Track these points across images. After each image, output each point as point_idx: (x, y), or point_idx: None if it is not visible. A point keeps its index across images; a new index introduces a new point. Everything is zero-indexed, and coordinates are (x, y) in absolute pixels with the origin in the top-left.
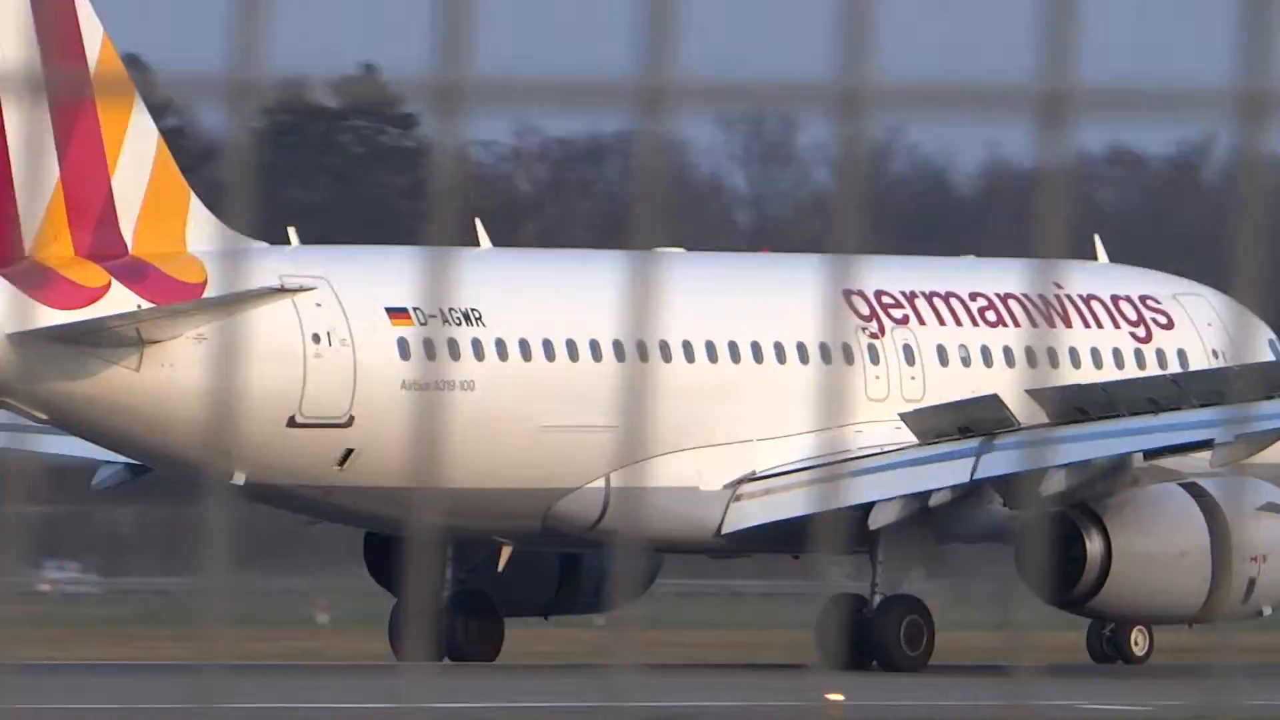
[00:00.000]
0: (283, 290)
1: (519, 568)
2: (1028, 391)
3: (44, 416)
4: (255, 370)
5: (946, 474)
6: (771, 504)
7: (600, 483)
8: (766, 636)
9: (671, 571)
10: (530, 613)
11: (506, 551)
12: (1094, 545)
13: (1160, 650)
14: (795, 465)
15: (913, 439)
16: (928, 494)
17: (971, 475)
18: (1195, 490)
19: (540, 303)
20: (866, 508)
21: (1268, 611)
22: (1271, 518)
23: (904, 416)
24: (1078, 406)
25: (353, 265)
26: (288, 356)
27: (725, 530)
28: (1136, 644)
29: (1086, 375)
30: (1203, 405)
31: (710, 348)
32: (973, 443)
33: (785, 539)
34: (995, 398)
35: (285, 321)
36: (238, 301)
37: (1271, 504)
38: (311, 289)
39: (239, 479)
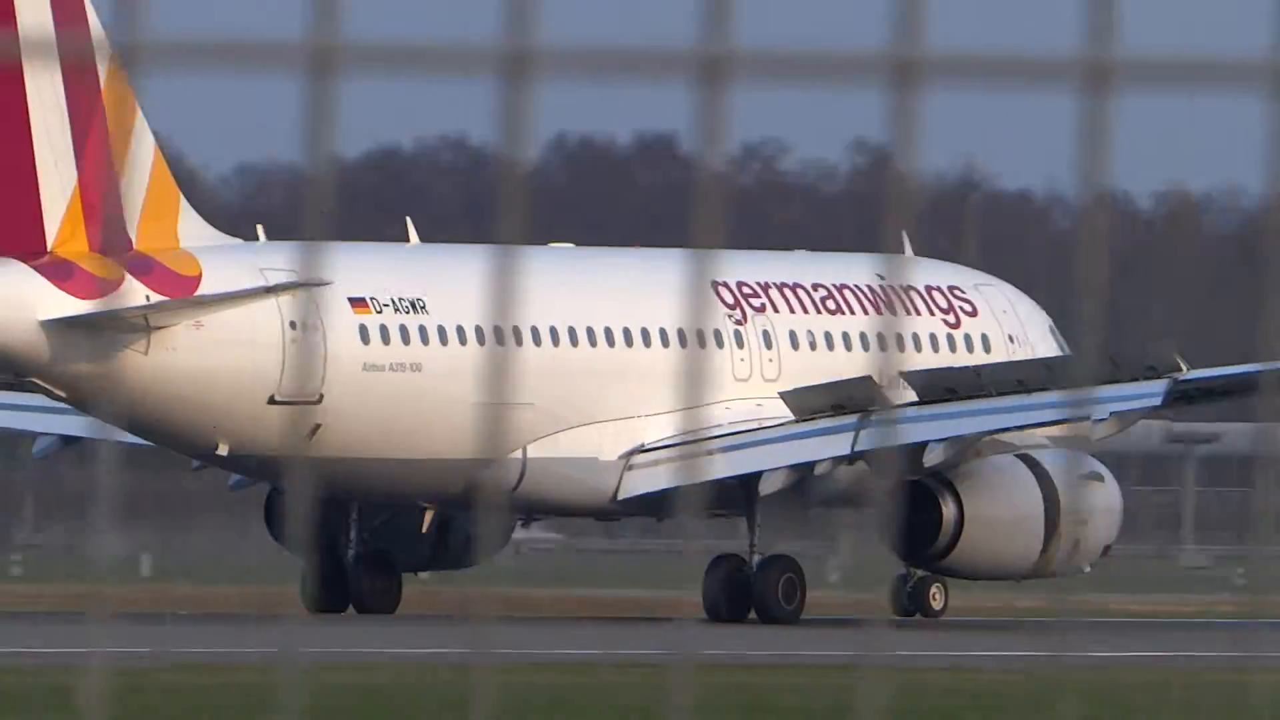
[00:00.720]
0: (307, 284)
1: (400, 529)
2: (901, 374)
3: (65, 395)
4: (242, 354)
5: (829, 447)
6: (661, 473)
7: (519, 454)
8: (654, 594)
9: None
10: (409, 569)
11: (429, 515)
12: (949, 510)
13: (951, 608)
14: (681, 439)
15: (773, 415)
16: (812, 464)
17: (852, 448)
18: (1029, 461)
19: (474, 294)
20: (749, 476)
21: (1087, 569)
22: (1093, 485)
23: (784, 395)
24: (947, 387)
25: (320, 259)
26: (269, 343)
27: (620, 496)
28: (935, 599)
29: (909, 358)
30: (1131, 379)
31: (608, 333)
32: (851, 419)
33: (673, 504)
34: (868, 379)
35: (267, 311)
36: (265, 293)
37: (1094, 473)
38: (328, 283)
39: (223, 450)
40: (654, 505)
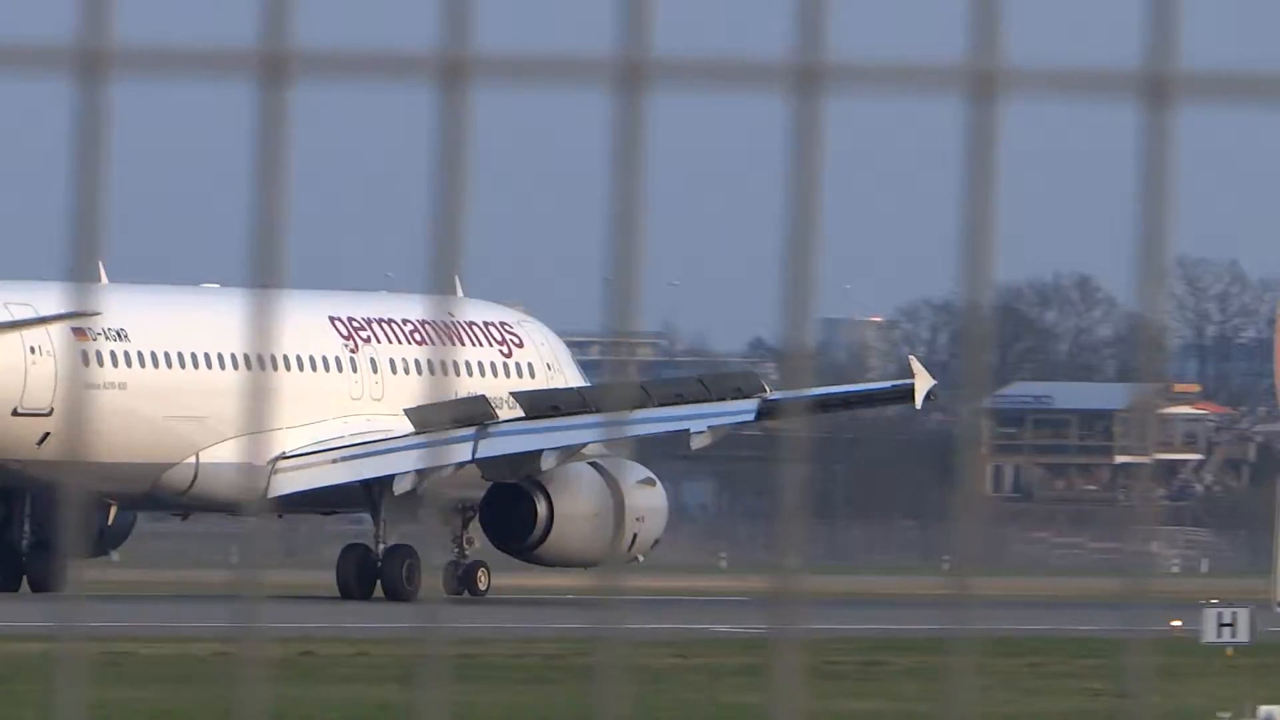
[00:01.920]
0: (78, 314)
1: (67, 521)
2: (513, 394)
3: None
4: None
5: (454, 454)
6: (304, 476)
7: (193, 459)
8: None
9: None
10: (79, 554)
11: (114, 509)
12: (542, 507)
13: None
14: (321, 447)
15: (383, 429)
16: (439, 468)
17: (473, 455)
18: (598, 467)
19: (167, 324)
20: (384, 477)
21: (642, 559)
22: (646, 488)
23: (407, 411)
24: (552, 405)
25: (53, 296)
26: (14, 366)
27: (270, 495)
28: (481, 581)
29: (474, 382)
30: (720, 399)
31: (246, 359)
32: (470, 430)
33: (314, 502)
34: (483, 397)
35: (12, 340)
36: (38, 323)
37: (648, 478)
38: (97, 314)
39: None
40: (299, 503)
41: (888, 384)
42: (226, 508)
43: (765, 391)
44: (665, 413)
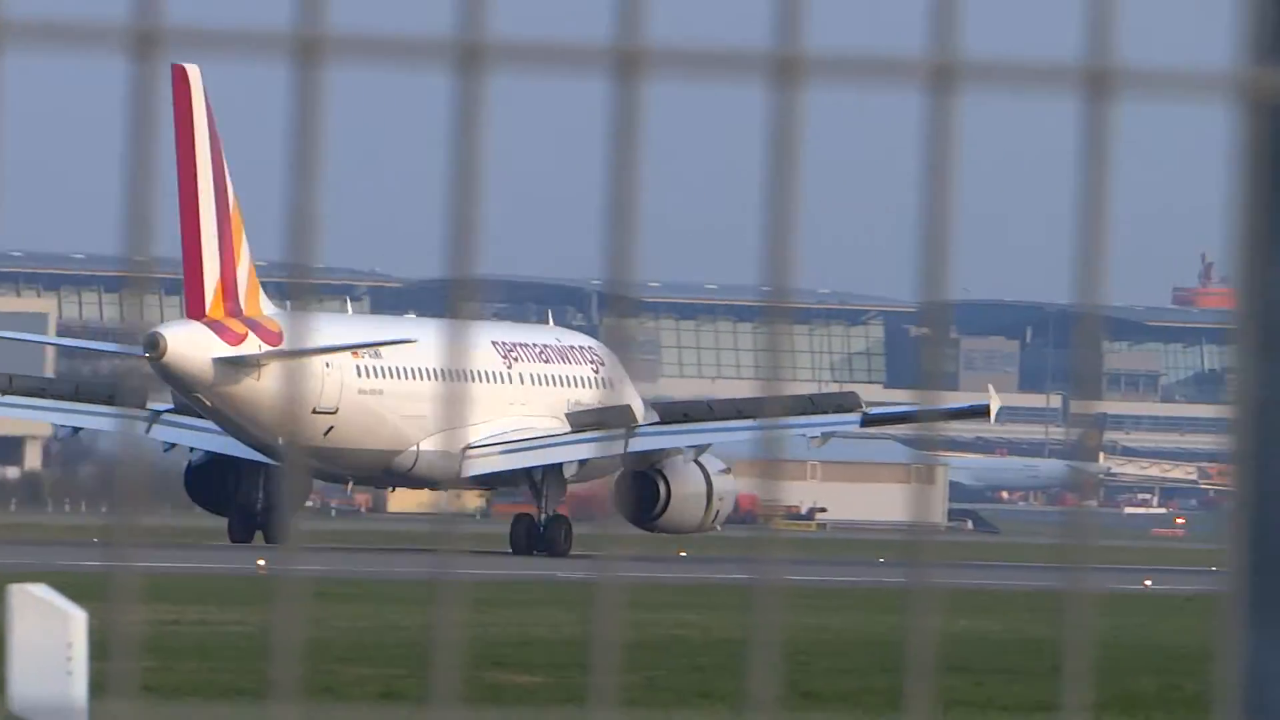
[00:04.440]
0: (388, 343)
1: (269, 491)
2: (653, 405)
3: (209, 404)
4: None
5: (610, 448)
6: (489, 462)
7: (415, 448)
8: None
9: None
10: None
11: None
12: (663, 489)
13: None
14: (494, 440)
15: (538, 427)
16: (598, 459)
17: (625, 449)
18: (696, 462)
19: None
20: (551, 465)
21: (719, 528)
22: (725, 476)
23: (568, 415)
24: (683, 413)
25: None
26: (314, 374)
27: (464, 475)
28: (565, 540)
29: (576, 392)
30: (824, 412)
31: (445, 373)
32: (620, 430)
33: (491, 482)
34: (627, 407)
35: (318, 358)
36: (330, 349)
37: (726, 468)
38: (411, 341)
39: (280, 440)
40: (487, 482)
41: (967, 404)
42: (434, 484)
43: (863, 407)
44: (788, 420)
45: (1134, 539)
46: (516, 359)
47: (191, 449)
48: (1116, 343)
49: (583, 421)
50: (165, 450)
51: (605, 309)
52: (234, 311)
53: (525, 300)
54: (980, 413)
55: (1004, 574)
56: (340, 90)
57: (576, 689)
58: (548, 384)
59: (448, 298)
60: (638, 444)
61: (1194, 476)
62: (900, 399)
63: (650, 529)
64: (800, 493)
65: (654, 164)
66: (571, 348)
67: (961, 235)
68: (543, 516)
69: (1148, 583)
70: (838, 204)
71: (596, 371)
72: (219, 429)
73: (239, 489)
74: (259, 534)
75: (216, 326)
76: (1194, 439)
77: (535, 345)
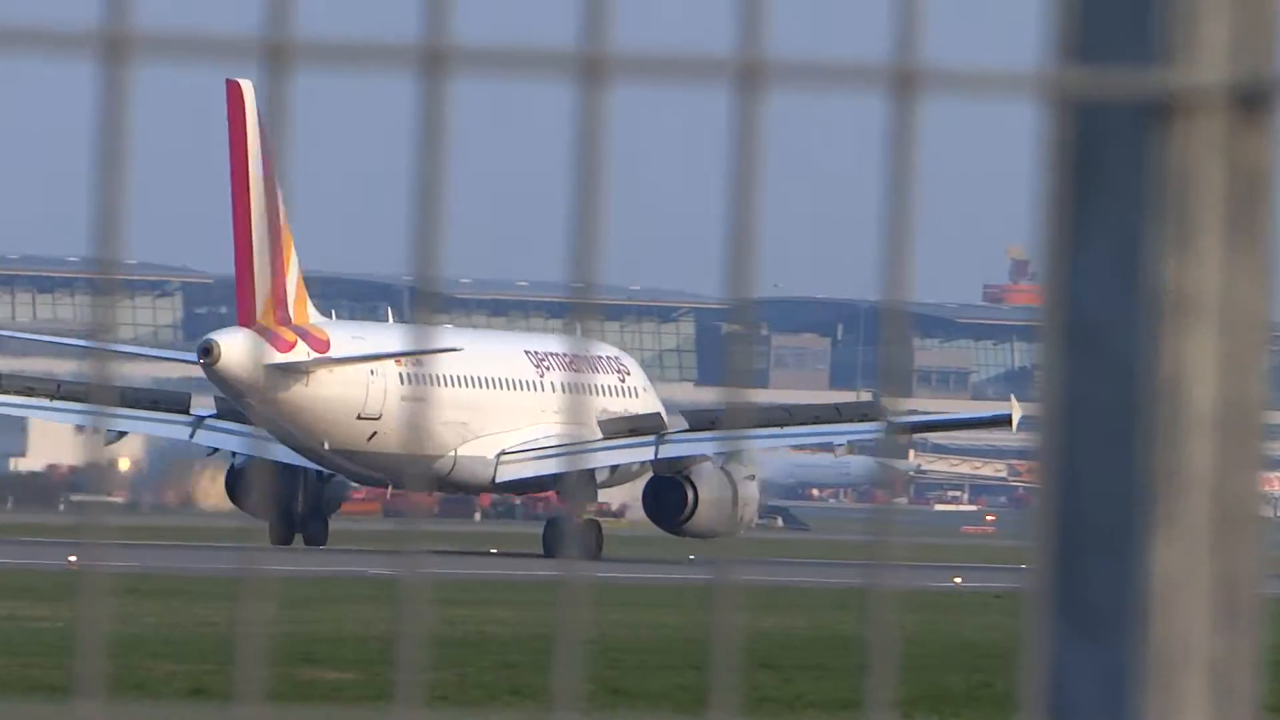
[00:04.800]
0: (435, 350)
1: (310, 495)
2: (684, 413)
3: (261, 409)
4: (345, 389)
5: (639, 454)
6: (523, 467)
7: (453, 453)
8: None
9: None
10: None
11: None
12: (690, 494)
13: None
14: (527, 446)
15: (567, 434)
16: (630, 464)
17: (655, 455)
18: (721, 466)
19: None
20: (584, 470)
21: (743, 532)
22: (750, 482)
23: (600, 422)
24: (710, 420)
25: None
26: (359, 382)
27: (497, 480)
28: (599, 545)
29: (604, 400)
30: (849, 421)
31: (482, 381)
32: (651, 437)
33: (524, 487)
34: (658, 414)
35: (361, 365)
36: (377, 357)
37: (750, 475)
38: (457, 349)
39: (327, 445)
40: (519, 486)
41: (989, 414)
42: (470, 489)
43: (887, 416)
44: (816, 429)
45: (944, 536)
46: (548, 368)
47: (234, 453)
48: (927, 339)
49: (615, 429)
50: (208, 454)
51: (415, 305)
52: (283, 320)
53: (336, 296)
54: (1003, 422)
55: (814, 571)
56: (311, 95)
57: (387, 686)
58: (577, 392)
59: (413, 304)
60: (668, 450)
61: (1004, 474)
62: (711, 397)
63: (678, 533)
64: (619, 491)
65: (462, 162)
66: (599, 358)
67: (771, 231)
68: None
69: (957, 580)
70: (649, 200)
71: (622, 380)
72: (266, 434)
73: (279, 493)
74: (298, 536)
75: (268, 334)
76: (1004, 436)
77: (562, 354)
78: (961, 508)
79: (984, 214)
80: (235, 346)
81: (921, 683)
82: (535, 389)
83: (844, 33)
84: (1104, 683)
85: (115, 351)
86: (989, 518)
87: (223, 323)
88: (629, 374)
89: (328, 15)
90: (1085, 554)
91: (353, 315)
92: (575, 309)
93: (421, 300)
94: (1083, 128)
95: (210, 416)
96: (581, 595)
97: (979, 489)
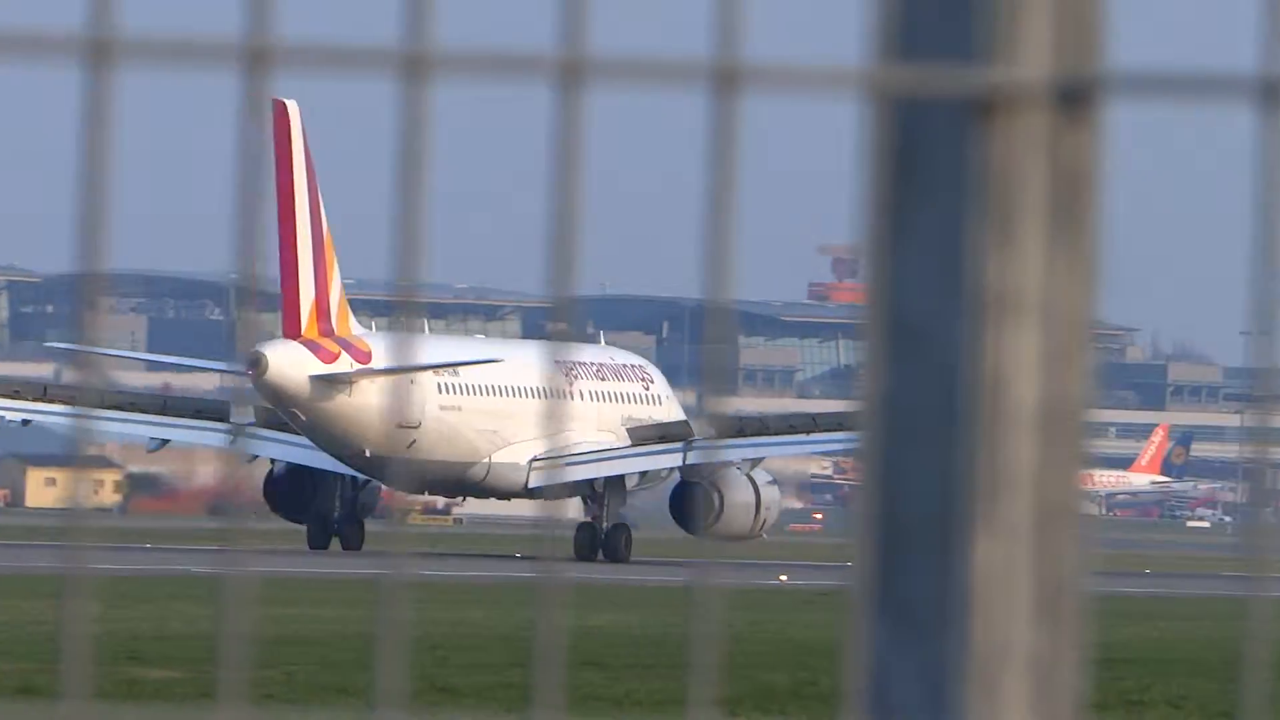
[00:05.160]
0: (475, 362)
1: (345, 500)
2: (708, 419)
3: (306, 419)
4: (384, 399)
5: (667, 460)
6: (554, 473)
7: (487, 459)
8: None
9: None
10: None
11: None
12: (717, 498)
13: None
14: (559, 453)
15: (594, 441)
16: (656, 470)
17: (683, 461)
18: (746, 474)
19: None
20: (613, 476)
21: (766, 536)
22: (771, 487)
23: (629, 429)
24: (739, 429)
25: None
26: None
27: (529, 485)
28: (626, 547)
29: (628, 408)
30: (824, 430)
31: (512, 390)
32: (679, 444)
33: (559, 493)
34: (685, 421)
35: (402, 377)
36: (418, 368)
37: (772, 480)
38: (498, 360)
39: (367, 452)
40: (552, 491)
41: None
42: (502, 494)
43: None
44: (804, 438)
45: (771, 534)
46: (577, 377)
47: (273, 460)
48: (753, 338)
49: (644, 435)
50: (248, 461)
51: (240, 303)
52: (327, 331)
53: (164, 295)
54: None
55: (643, 570)
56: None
57: (212, 684)
58: (604, 400)
59: (393, 310)
60: (695, 457)
61: (829, 471)
62: None
63: (704, 537)
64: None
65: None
66: (624, 366)
67: (595, 229)
68: (605, 525)
69: (783, 578)
70: (474, 199)
71: (646, 388)
72: (308, 443)
73: (317, 498)
74: (336, 541)
75: (312, 346)
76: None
77: (592, 364)
78: (789, 505)
79: (809, 212)
80: (282, 358)
81: (747, 681)
82: (565, 397)
83: (664, 29)
84: (926, 680)
85: (162, 363)
86: (816, 515)
87: (49, 323)
88: (653, 382)
89: (310, 19)
90: (907, 552)
91: (374, 327)
92: (399, 307)
93: (401, 309)
94: (904, 125)
95: (250, 424)
96: (403, 594)
97: (805, 486)
